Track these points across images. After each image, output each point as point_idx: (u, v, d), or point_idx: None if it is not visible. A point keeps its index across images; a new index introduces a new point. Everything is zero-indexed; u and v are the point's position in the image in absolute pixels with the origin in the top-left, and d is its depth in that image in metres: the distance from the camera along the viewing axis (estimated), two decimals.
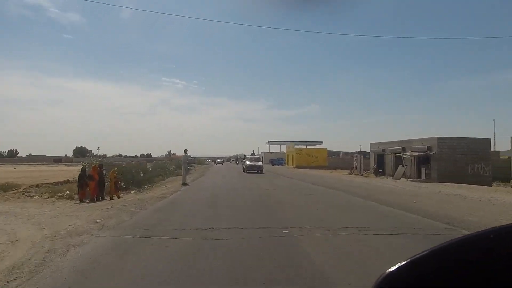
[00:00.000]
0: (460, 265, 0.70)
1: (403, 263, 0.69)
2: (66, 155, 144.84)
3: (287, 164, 56.69)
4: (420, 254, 0.69)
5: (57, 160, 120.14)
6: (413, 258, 0.69)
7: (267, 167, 48.92)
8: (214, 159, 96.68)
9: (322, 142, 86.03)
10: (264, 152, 77.24)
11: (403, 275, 0.69)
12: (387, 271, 0.68)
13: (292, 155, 53.42)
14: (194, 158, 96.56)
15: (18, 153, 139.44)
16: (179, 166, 27.23)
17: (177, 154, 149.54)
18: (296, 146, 74.12)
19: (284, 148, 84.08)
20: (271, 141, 79.92)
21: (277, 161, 61.46)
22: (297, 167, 49.09)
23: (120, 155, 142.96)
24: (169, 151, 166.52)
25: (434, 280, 0.69)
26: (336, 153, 59.56)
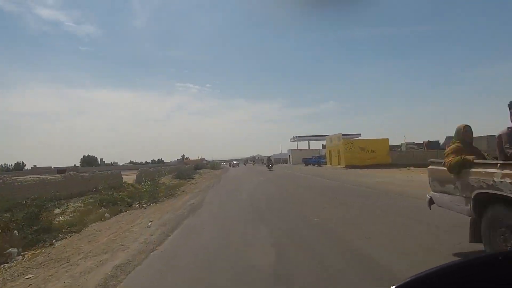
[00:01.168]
0: (466, 285, 0.69)
1: (407, 279, 0.68)
2: (74, 165, 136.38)
3: (329, 163, 41.57)
4: (425, 272, 0.69)
5: (61, 171, 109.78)
6: (418, 275, 0.69)
7: (304, 170, 34.30)
8: (230, 162, 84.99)
9: (360, 134, 71.01)
10: (291, 150, 62.21)
11: None
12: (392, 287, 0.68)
13: (338, 151, 38.25)
14: (207, 162, 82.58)
15: (25, 165, 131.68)
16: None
17: (191, 158, 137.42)
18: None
19: (313, 144, 69.87)
20: (298, 136, 65.04)
21: (314, 160, 46.45)
22: (348, 166, 34.06)
23: (132, 162, 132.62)
24: (183, 155, 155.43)
25: None
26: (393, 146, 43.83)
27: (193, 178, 29.34)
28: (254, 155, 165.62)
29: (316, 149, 62.29)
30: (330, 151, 41.61)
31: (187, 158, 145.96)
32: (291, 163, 60.19)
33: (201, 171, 48.77)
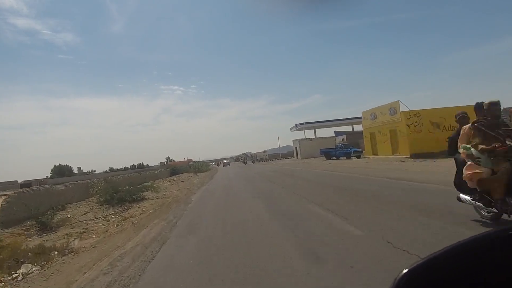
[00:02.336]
0: (477, 263, 0.68)
1: (419, 262, 0.68)
2: (47, 176, 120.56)
3: (370, 153, 27.07)
4: (437, 253, 0.69)
5: (25, 184, 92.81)
6: (429, 257, 0.69)
7: (344, 168, 19.75)
8: (218, 161, 71.98)
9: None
10: (298, 141, 47.13)
11: (420, 274, 0.68)
12: (403, 271, 0.67)
13: (393, 131, 23.58)
14: (193, 163, 67.06)
15: None
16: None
17: (178, 160, 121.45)
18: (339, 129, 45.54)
19: (320, 132, 55.41)
20: (305, 123, 50.47)
21: (341, 150, 31.76)
22: (415, 155, 19.73)
23: (111, 169, 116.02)
24: (167, 158, 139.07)
25: (451, 279, 0.68)
26: None
27: (141, 200, 14.19)
28: (245, 152, 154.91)
29: (329, 137, 47.81)
30: (371, 134, 26.89)
31: (172, 161, 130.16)
32: (299, 157, 45.43)
33: (176, 177, 33.74)
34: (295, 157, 47.44)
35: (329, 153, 33.00)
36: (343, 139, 49.14)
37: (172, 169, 45.14)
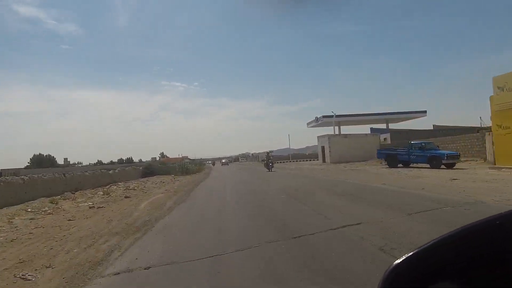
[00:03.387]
0: (466, 254, 0.69)
1: (409, 254, 0.68)
2: (26, 166, 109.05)
3: (501, 159, 13.56)
4: (426, 245, 0.68)
5: None
6: (418, 249, 0.68)
7: None
8: (214, 161, 61.70)
9: (425, 112, 44.40)
10: (328, 137, 33.45)
11: (410, 266, 0.68)
12: (394, 263, 0.67)
13: None
14: (185, 161, 54.76)
15: None
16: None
17: (172, 156, 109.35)
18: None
19: (344, 128, 42.56)
20: (337, 115, 37.45)
21: (420, 151, 18.38)
22: None
23: (99, 162, 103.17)
24: (161, 153, 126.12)
25: (441, 270, 0.67)
26: None
27: None
28: (244, 152, 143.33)
29: (370, 134, 34.81)
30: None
31: (165, 157, 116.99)
32: (327, 159, 32.26)
33: (135, 184, 20.73)
34: (321, 159, 34.20)
35: (396, 157, 19.82)
36: (385, 139, 36.32)
37: (146, 168, 31.84)
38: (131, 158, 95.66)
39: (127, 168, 32.03)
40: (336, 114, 37.68)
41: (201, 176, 25.20)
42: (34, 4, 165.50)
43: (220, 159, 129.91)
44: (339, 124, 42.51)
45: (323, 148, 33.11)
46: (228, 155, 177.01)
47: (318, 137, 34.98)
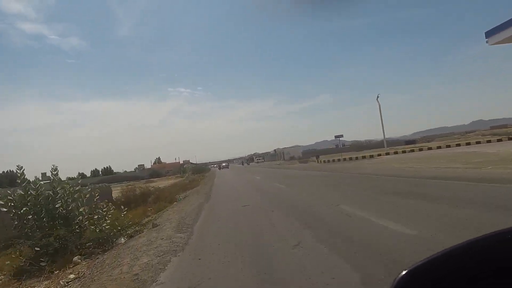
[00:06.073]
0: (476, 265, 0.68)
1: (419, 263, 0.68)
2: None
3: None
4: (437, 254, 0.68)
5: None
6: (429, 258, 0.68)
7: None
8: (220, 164, 47.44)
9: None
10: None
11: (420, 274, 0.68)
12: (403, 272, 0.67)
13: None
14: (186, 166, 37.95)
15: None
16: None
17: (168, 161, 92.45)
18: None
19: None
20: None
21: None
22: None
23: (81, 175, 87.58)
24: (157, 159, 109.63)
25: (450, 280, 0.67)
26: None
27: None
28: (252, 153, 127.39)
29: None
30: None
31: (160, 163, 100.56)
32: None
33: None
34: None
35: None
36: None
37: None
38: (109, 168, 78.95)
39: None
40: None
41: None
42: (38, 20, 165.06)
43: (229, 161, 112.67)
44: None
45: None
46: (237, 156, 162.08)
47: None
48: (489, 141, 26.69)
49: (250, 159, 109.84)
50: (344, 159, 29.99)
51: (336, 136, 30.85)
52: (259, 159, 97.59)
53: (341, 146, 31.43)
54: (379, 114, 28.75)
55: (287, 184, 13.58)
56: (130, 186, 19.31)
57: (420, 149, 28.74)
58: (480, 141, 27.62)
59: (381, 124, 35.16)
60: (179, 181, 37.16)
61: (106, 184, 17.24)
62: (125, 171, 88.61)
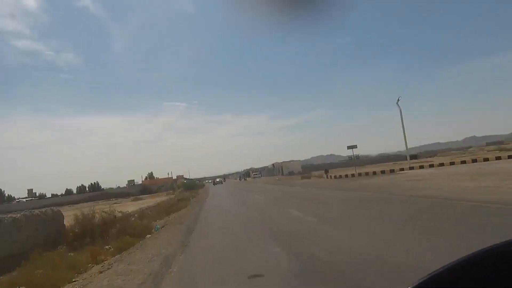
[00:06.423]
0: (479, 279, 0.68)
1: (423, 279, 0.66)
2: None
3: None
4: (439, 270, 0.67)
5: None
6: (432, 274, 0.67)
7: None
8: (214, 179, 44.34)
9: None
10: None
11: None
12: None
13: None
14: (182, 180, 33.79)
15: None
16: None
17: (161, 177, 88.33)
18: None
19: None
20: None
21: None
22: None
23: (68, 192, 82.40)
24: (149, 174, 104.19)
25: None
26: None
27: None
28: (248, 168, 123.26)
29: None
30: None
31: (151, 179, 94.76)
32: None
33: None
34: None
35: None
36: None
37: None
38: (97, 184, 73.72)
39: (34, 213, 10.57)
40: None
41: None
42: (32, 37, 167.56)
43: (225, 176, 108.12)
44: None
45: None
46: (233, 171, 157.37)
47: None
48: (498, 158, 23.06)
49: (246, 174, 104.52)
50: (360, 175, 25.52)
51: (349, 147, 26.45)
52: (256, 173, 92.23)
53: (354, 158, 26.92)
54: (400, 120, 24.55)
55: (313, 213, 8.94)
56: (94, 210, 14.50)
57: (441, 164, 24.45)
58: (488, 158, 23.95)
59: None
60: (168, 199, 32.34)
61: (54, 209, 12.33)
62: (118, 186, 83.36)
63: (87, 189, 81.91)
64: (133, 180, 79.04)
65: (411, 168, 24.16)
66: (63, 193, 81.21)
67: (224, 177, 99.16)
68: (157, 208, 23.38)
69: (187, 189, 45.51)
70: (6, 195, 73.97)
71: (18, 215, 10.93)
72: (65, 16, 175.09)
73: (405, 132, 28.02)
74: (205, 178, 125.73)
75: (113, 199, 73.67)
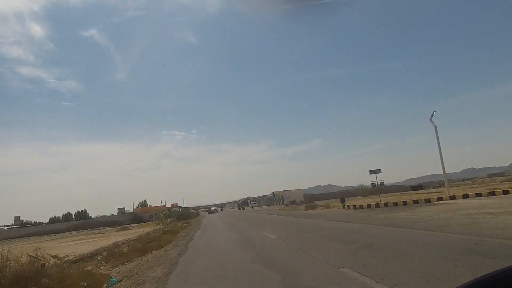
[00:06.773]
0: None
1: None
2: None
3: None
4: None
5: None
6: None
7: None
8: (209, 208, 41.85)
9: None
10: None
11: None
12: None
13: None
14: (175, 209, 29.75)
15: None
16: None
17: (155, 205, 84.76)
18: None
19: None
20: None
21: None
22: None
23: (54, 219, 76.71)
24: (143, 201, 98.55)
25: None
26: None
27: None
28: (246, 197, 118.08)
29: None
30: None
31: (144, 207, 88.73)
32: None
33: None
34: None
35: None
36: None
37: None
38: (84, 211, 68.25)
39: None
40: None
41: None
42: (36, 64, 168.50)
43: (222, 205, 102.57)
44: None
45: None
46: (230, 200, 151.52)
47: None
48: None
49: (244, 202, 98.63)
50: (386, 205, 20.93)
51: (372, 172, 22.07)
52: (254, 203, 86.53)
53: (378, 185, 22.43)
54: (436, 139, 20.35)
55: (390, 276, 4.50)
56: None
57: (465, 196, 20.05)
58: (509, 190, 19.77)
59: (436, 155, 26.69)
60: (153, 230, 27.42)
61: None
62: (112, 214, 77.76)
63: (73, 217, 76.31)
64: (123, 208, 73.34)
65: (452, 197, 19.67)
66: (47, 222, 75.49)
67: (222, 206, 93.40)
68: (136, 242, 18.63)
69: (180, 219, 40.53)
70: None
71: None
72: (70, 44, 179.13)
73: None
74: (201, 207, 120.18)
75: (100, 228, 67.73)
